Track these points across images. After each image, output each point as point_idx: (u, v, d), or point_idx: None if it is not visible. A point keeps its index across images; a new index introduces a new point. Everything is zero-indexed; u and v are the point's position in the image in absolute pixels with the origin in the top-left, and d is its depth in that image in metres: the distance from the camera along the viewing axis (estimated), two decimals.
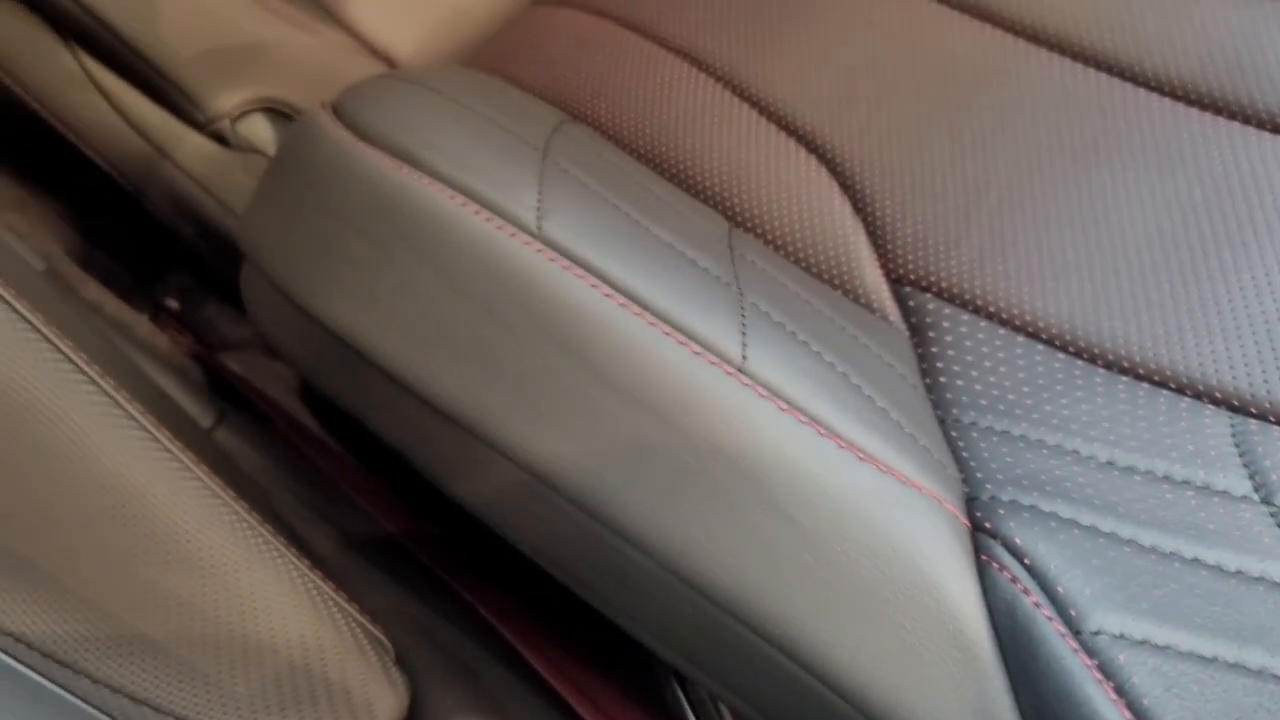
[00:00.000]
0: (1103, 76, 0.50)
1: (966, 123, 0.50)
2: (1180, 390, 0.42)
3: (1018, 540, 0.35)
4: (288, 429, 0.67)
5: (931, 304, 0.46)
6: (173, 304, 0.79)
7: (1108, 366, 0.43)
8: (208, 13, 0.64)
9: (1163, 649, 0.34)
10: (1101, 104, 0.49)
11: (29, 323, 0.42)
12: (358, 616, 0.45)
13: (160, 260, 0.79)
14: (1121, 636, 0.34)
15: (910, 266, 0.48)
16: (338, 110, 0.46)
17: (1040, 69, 0.51)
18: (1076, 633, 0.34)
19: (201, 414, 0.64)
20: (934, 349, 0.44)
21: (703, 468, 0.36)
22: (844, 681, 0.36)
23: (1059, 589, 0.34)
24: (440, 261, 0.40)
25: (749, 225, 0.51)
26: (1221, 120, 0.48)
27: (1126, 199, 0.46)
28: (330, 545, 0.57)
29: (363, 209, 0.42)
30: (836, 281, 0.48)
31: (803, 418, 0.36)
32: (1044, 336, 0.44)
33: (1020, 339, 0.44)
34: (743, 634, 0.38)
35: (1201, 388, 0.41)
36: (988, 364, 0.43)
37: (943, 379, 0.43)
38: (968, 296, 0.46)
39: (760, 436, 0.36)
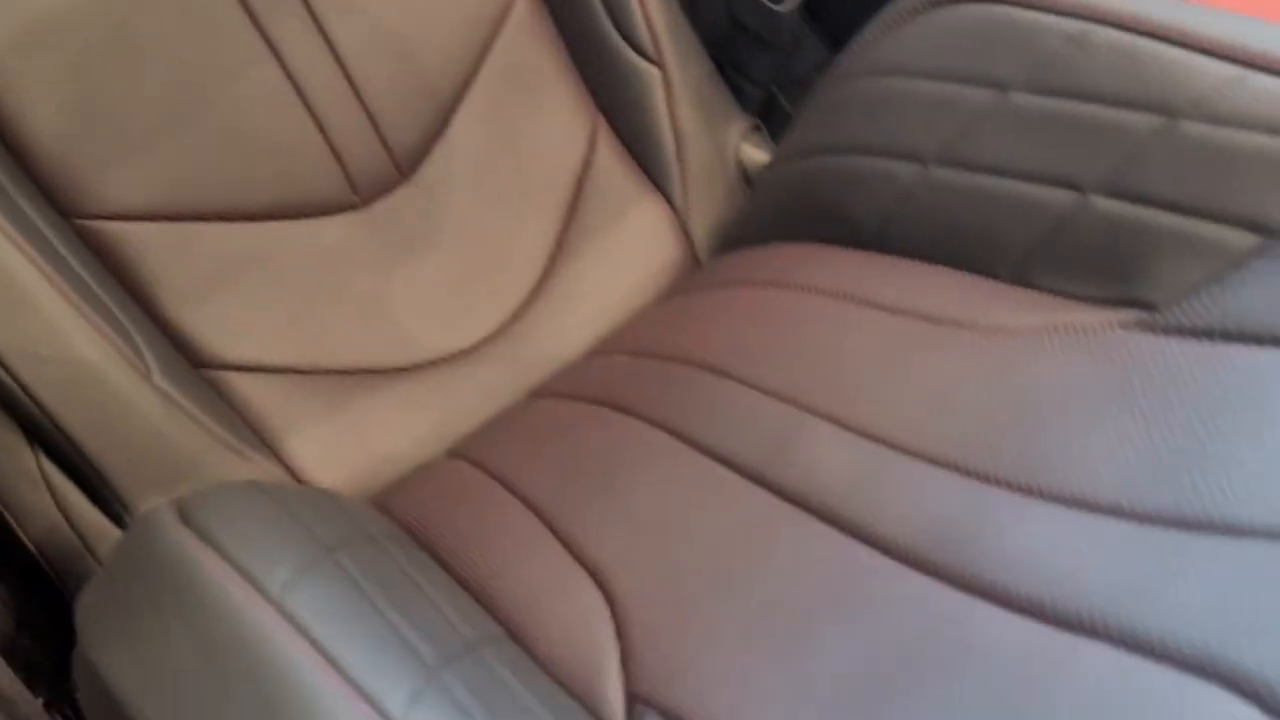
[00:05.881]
0: (846, 539, 0.58)
1: (727, 573, 0.58)
2: None
3: None
4: None
5: None
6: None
7: None
8: (153, 431, 0.74)
9: None
10: (840, 562, 0.56)
11: None
12: None
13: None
14: None
15: (645, 688, 0.54)
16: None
17: (798, 530, 0.59)
18: None
19: None
20: None
21: None
22: None
23: None
24: (196, 625, 0.47)
25: (522, 639, 0.58)
26: (933, 581, 0.54)
27: (841, 646, 0.52)
28: None
29: (150, 575, 0.50)
30: (583, 694, 0.54)
31: None
32: None
33: None
34: None
35: None
36: None
37: None
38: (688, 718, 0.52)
39: None
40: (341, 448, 0.84)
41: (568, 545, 0.64)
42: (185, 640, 0.48)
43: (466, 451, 0.81)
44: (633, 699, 0.54)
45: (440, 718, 0.44)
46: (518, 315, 0.93)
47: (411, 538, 0.68)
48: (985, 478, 0.58)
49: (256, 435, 0.82)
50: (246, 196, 0.86)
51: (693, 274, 0.95)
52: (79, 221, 0.80)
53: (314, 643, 0.45)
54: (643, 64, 0.94)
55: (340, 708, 0.43)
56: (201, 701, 0.46)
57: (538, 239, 0.95)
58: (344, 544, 0.54)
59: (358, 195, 0.90)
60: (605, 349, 0.89)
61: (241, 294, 0.85)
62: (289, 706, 0.44)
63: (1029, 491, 0.56)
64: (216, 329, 0.84)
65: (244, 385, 0.83)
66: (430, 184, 0.93)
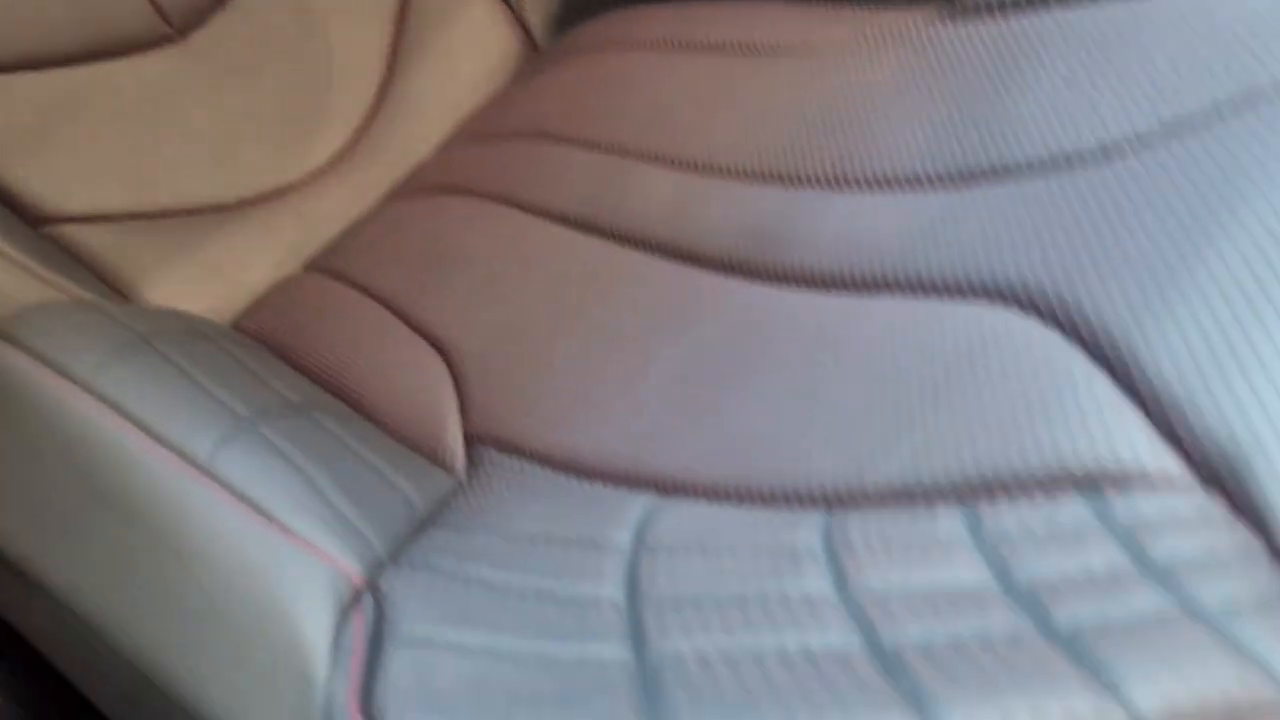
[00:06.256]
0: (673, 264, 0.59)
1: (561, 317, 0.59)
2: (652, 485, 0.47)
3: (391, 593, 0.41)
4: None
5: (493, 455, 0.53)
6: None
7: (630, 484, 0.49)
8: None
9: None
10: (667, 285, 0.57)
11: None
12: None
13: None
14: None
15: (483, 428, 0.55)
16: None
17: (628, 266, 0.60)
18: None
19: None
20: (484, 485, 0.52)
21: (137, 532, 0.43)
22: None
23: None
24: (10, 418, 0.47)
25: (362, 407, 0.59)
26: (748, 282, 0.55)
27: (668, 357, 0.53)
28: None
29: None
30: (424, 447, 0.55)
31: (238, 500, 0.42)
32: (579, 470, 0.50)
33: (550, 472, 0.51)
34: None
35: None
36: (509, 489, 0.50)
37: (476, 498, 0.50)
38: (523, 446, 0.53)
39: (195, 513, 0.42)
40: (198, 286, 0.83)
41: (414, 327, 0.65)
42: (3, 436, 0.48)
43: (318, 264, 0.80)
44: (470, 439, 0.55)
45: (251, 456, 0.45)
46: (362, 130, 0.91)
47: (262, 347, 0.68)
48: (798, 181, 0.59)
49: (109, 287, 0.82)
50: (50, 41, 0.82)
51: (530, 59, 0.94)
52: None
53: (121, 412, 0.45)
54: None
55: (148, 464, 0.44)
56: (23, 488, 0.46)
57: (370, 52, 0.93)
58: (165, 335, 0.54)
59: (172, 27, 0.87)
60: (450, 143, 0.89)
61: (69, 143, 0.83)
62: (100, 474, 0.45)
63: (836, 183, 0.57)
64: (49, 183, 0.82)
65: (89, 237, 0.82)
66: (248, 8, 0.90)
